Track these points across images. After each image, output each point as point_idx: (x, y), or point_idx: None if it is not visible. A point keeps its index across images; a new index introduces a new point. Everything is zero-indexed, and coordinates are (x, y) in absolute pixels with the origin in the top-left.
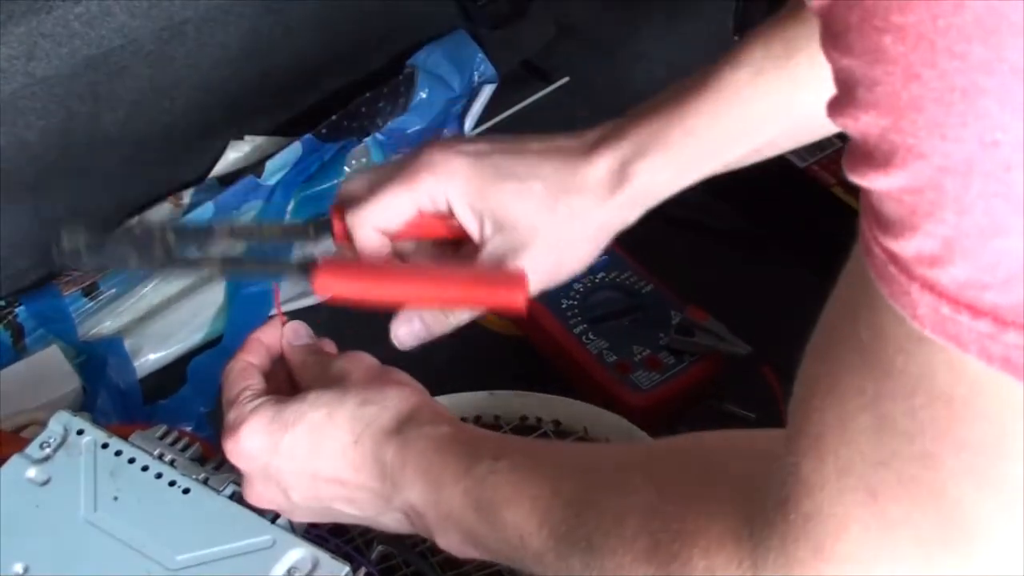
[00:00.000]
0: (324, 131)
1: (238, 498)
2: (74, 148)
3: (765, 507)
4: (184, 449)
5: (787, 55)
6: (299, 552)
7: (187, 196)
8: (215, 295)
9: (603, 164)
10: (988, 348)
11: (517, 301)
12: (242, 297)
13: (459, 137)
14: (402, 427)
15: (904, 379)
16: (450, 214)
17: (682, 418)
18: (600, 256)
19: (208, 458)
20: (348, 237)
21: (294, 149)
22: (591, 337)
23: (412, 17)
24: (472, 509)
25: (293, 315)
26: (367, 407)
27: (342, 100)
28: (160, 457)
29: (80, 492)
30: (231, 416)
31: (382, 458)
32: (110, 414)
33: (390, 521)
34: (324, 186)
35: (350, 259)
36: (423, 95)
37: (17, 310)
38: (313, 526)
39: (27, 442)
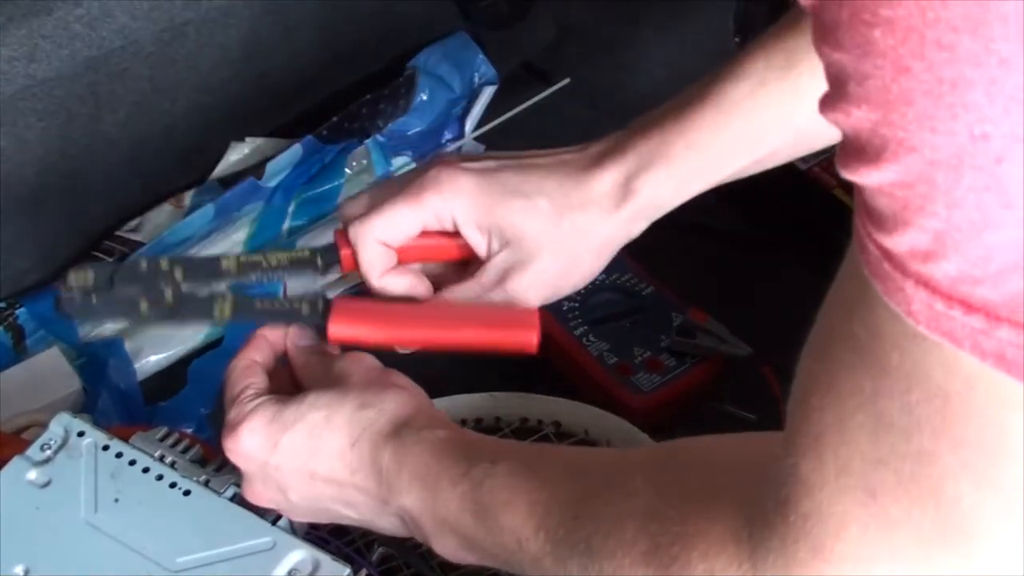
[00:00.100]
0: (325, 133)
1: (239, 500)
2: (74, 150)
3: (765, 508)
4: (185, 451)
5: (788, 66)
6: (300, 554)
7: (188, 198)
8: None
9: (607, 178)
10: (981, 344)
11: (530, 343)
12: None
13: (463, 155)
14: (399, 431)
15: (900, 376)
16: (456, 232)
17: (683, 420)
18: None
19: (209, 460)
20: (355, 265)
21: (295, 151)
22: (592, 339)
23: (412, 19)
24: (469, 513)
25: None
26: (365, 411)
27: (343, 102)
28: (161, 459)
29: (81, 494)
30: (232, 414)
31: (378, 462)
32: (111, 416)
33: (387, 524)
34: (325, 188)
35: (361, 302)
36: (424, 97)
37: (18, 311)
38: (314, 527)
39: (28, 444)
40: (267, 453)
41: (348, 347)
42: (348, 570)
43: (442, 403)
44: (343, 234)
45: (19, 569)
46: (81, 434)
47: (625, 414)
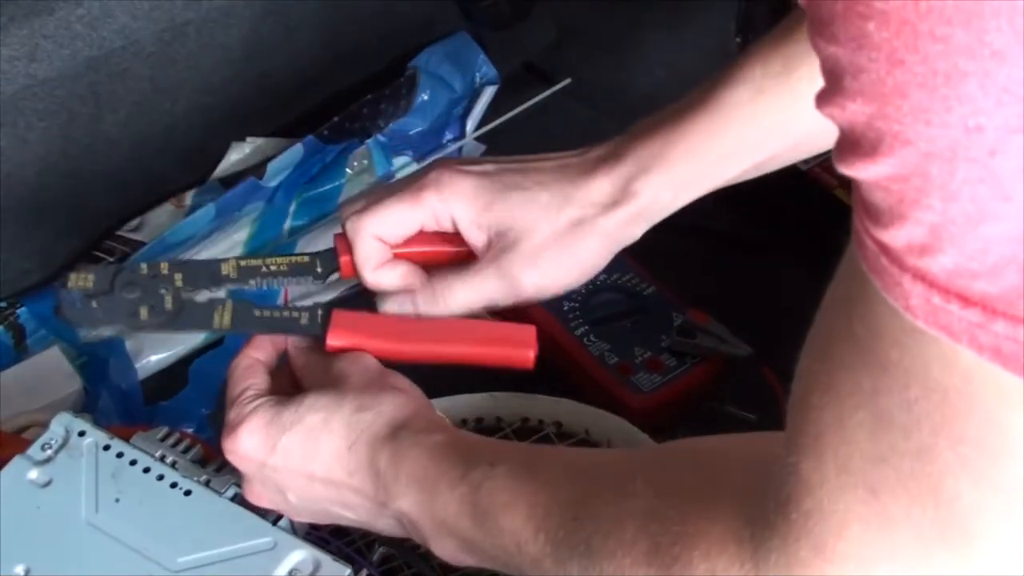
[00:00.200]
0: (326, 133)
1: (240, 500)
2: (75, 149)
3: (766, 508)
4: (186, 451)
5: (787, 71)
6: (300, 554)
7: (188, 198)
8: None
9: (607, 181)
10: (978, 338)
11: (527, 360)
12: (245, 298)
13: (464, 158)
14: (396, 434)
15: (899, 373)
16: (455, 234)
17: (683, 420)
18: None
19: (209, 460)
20: (354, 271)
21: (296, 151)
22: (592, 339)
23: (414, 19)
24: (468, 516)
25: None
26: (362, 413)
27: (344, 102)
28: (162, 459)
29: (81, 494)
30: (231, 415)
31: (376, 465)
32: (111, 415)
33: (385, 526)
34: (326, 188)
35: (360, 314)
36: (425, 97)
37: (18, 311)
38: (314, 528)
39: (28, 443)
40: (266, 454)
41: None
42: (349, 570)
43: (442, 403)
44: (343, 239)
45: (19, 569)
46: (82, 434)
47: (625, 414)
